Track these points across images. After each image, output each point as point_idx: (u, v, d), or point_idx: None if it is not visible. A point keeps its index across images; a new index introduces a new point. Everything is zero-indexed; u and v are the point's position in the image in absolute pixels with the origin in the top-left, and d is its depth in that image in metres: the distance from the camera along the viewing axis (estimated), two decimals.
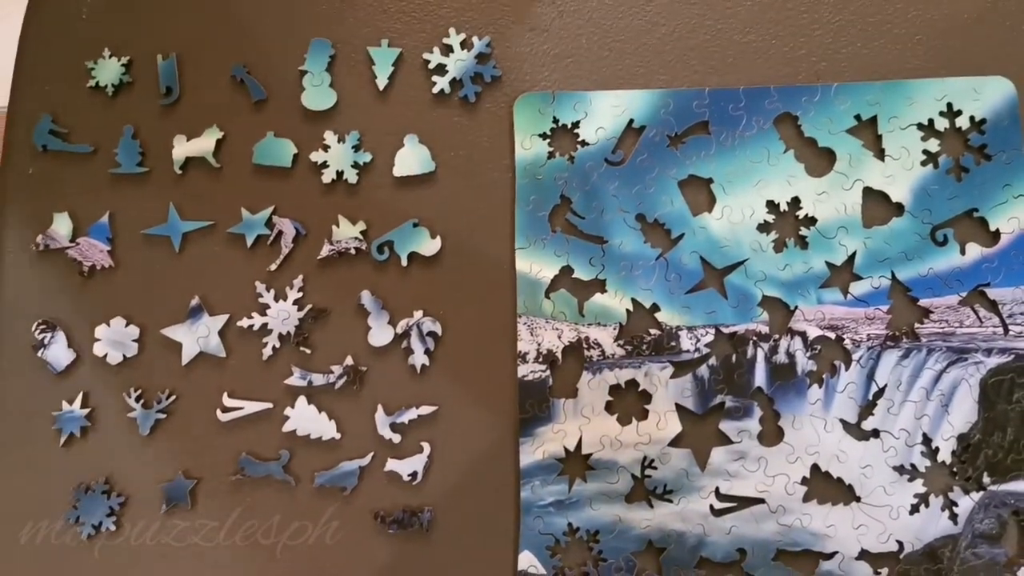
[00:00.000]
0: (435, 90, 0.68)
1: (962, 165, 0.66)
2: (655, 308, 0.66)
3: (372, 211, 0.67)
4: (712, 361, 0.65)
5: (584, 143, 0.67)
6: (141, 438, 0.65)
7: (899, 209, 0.66)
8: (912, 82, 0.67)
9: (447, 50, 0.68)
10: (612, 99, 0.67)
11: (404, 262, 0.66)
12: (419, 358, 0.65)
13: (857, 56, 0.68)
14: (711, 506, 0.64)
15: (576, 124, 0.67)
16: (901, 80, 0.67)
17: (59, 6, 0.70)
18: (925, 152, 0.66)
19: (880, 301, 0.65)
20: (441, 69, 0.68)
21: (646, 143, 0.67)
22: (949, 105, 0.66)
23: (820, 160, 0.67)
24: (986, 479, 0.63)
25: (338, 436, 0.65)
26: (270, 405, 0.65)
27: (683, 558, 0.63)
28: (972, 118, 0.66)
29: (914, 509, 0.63)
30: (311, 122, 0.68)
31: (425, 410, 0.65)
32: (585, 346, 0.65)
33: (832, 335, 0.65)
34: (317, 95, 0.68)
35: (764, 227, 0.66)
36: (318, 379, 0.65)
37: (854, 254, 0.66)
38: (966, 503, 0.63)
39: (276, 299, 0.66)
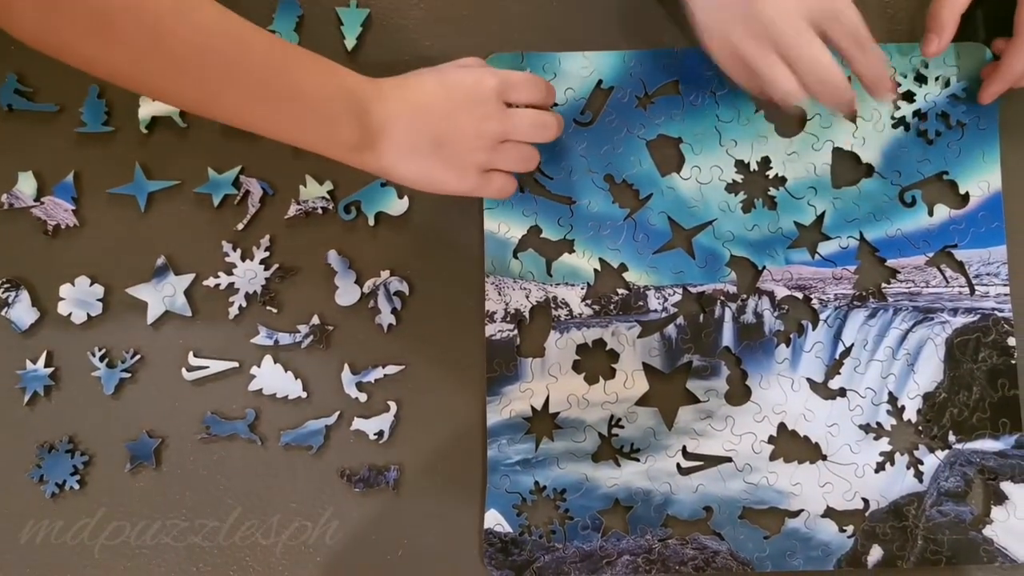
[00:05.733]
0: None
1: (935, 129, 0.66)
2: (623, 268, 0.66)
3: (339, 171, 0.66)
4: (680, 321, 0.65)
5: (553, 104, 0.67)
6: (105, 397, 0.64)
7: (869, 170, 0.66)
8: (887, 45, 0.66)
9: None
10: (581, 60, 0.67)
11: (371, 222, 0.66)
12: (386, 317, 0.65)
13: None
14: (678, 465, 0.64)
15: None
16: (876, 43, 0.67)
17: None
18: (897, 115, 0.66)
19: (848, 261, 0.65)
20: None
21: (615, 103, 0.66)
22: (924, 68, 0.66)
23: (790, 120, 0.66)
24: (951, 438, 0.64)
25: (304, 395, 0.64)
26: (236, 364, 0.65)
27: (650, 516, 0.63)
28: (947, 82, 0.66)
29: (880, 467, 0.64)
30: None
31: (392, 369, 0.65)
32: (553, 306, 0.65)
33: (799, 295, 0.65)
34: None
35: (732, 187, 0.66)
36: (284, 338, 0.65)
37: (823, 214, 0.66)
38: (931, 461, 0.64)
39: (243, 258, 0.65)
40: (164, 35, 0.50)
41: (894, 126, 0.66)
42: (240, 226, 0.66)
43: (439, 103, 0.57)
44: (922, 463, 0.63)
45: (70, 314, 0.65)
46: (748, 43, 0.57)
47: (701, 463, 0.64)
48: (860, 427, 0.64)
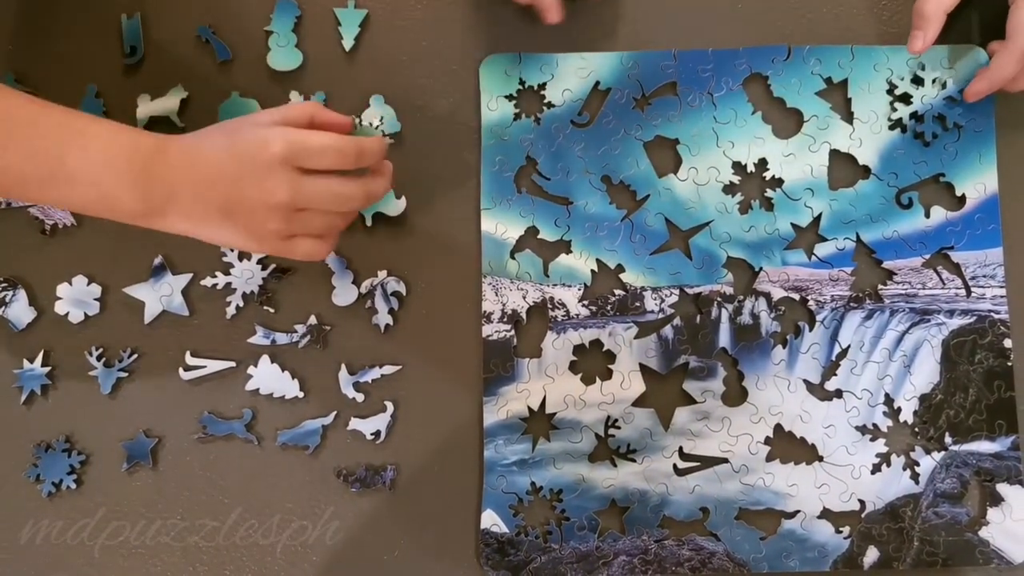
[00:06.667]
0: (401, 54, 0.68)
1: (931, 131, 0.66)
2: (620, 269, 0.66)
3: None
4: (676, 322, 0.65)
5: (550, 105, 0.67)
6: (102, 396, 0.64)
7: (865, 172, 0.66)
8: (884, 48, 0.67)
9: None
10: (578, 61, 0.67)
11: (369, 222, 0.66)
12: (383, 318, 0.65)
13: (824, 21, 0.68)
14: (674, 465, 0.64)
15: (542, 86, 0.67)
16: (873, 45, 0.67)
17: None
18: (894, 117, 0.66)
19: (844, 263, 0.66)
20: None
21: (612, 104, 0.67)
22: (921, 71, 0.66)
23: (788, 121, 0.67)
24: (947, 439, 0.64)
25: (301, 395, 0.64)
26: (233, 364, 0.65)
27: (646, 517, 0.63)
28: (944, 85, 0.66)
29: (876, 469, 0.64)
30: (277, 83, 0.67)
31: (389, 369, 0.65)
32: (550, 306, 0.65)
33: (796, 296, 0.65)
34: (283, 56, 0.67)
35: (729, 188, 0.66)
36: (282, 338, 0.65)
37: (819, 216, 0.66)
38: (927, 463, 0.64)
39: (240, 258, 0.65)
40: None
41: (891, 128, 0.66)
42: None
43: (225, 171, 0.53)
44: (918, 465, 0.64)
45: (67, 313, 0.65)
46: None
47: (697, 464, 0.64)
48: (856, 428, 0.64)
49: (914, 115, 0.66)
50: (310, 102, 0.57)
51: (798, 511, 0.63)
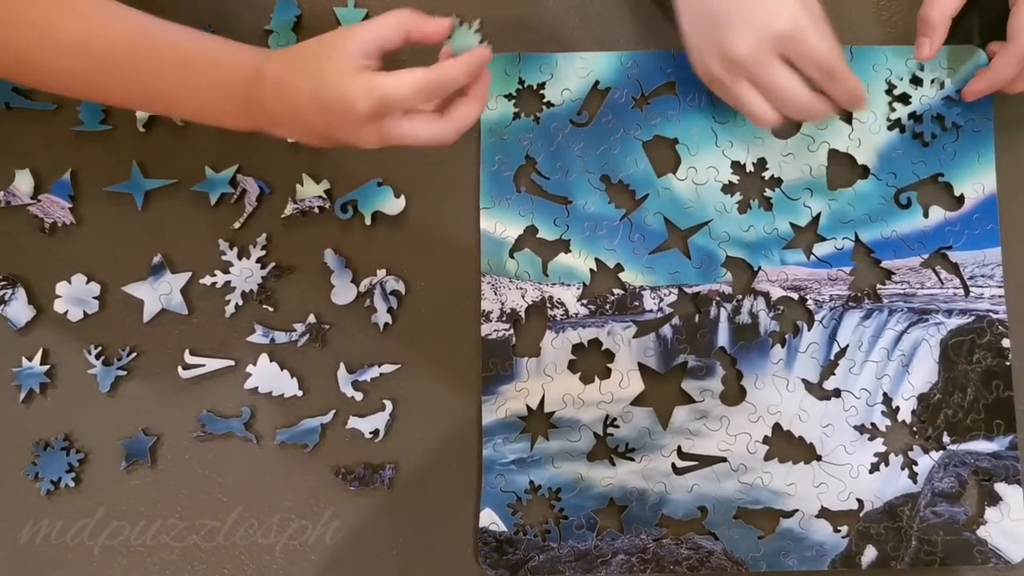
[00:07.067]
0: None
1: (930, 131, 0.66)
2: (619, 268, 0.66)
3: (336, 170, 0.66)
4: (675, 321, 0.65)
5: (550, 104, 0.67)
6: (101, 395, 0.64)
7: (864, 172, 0.66)
8: (883, 48, 0.67)
9: None
10: (578, 61, 0.67)
11: (368, 221, 0.66)
12: (382, 316, 0.65)
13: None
14: (673, 464, 0.64)
15: (542, 85, 0.67)
16: (872, 46, 0.67)
17: None
18: (892, 117, 0.66)
19: (843, 262, 0.66)
20: None
21: (611, 104, 0.67)
22: (920, 71, 0.66)
23: (787, 121, 0.66)
24: (946, 438, 0.64)
25: (300, 393, 0.65)
26: (232, 362, 0.65)
27: (644, 516, 0.63)
28: (942, 85, 0.66)
29: (874, 468, 0.64)
30: None
31: (388, 368, 0.65)
32: (549, 305, 0.65)
33: (795, 296, 0.65)
34: None
35: (728, 188, 0.66)
36: (281, 337, 0.65)
37: (818, 215, 0.66)
38: (926, 462, 0.64)
39: (239, 257, 0.65)
40: (51, 29, 0.52)
41: (889, 128, 0.66)
42: (237, 225, 0.66)
43: (314, 120, 0.54)
44: (916, 464, 0.64)
45: (66, 312, 0.65)
46: (722, 73, 0.60)
47: (696, 463, 0.64)
48: (855, 428, 0.64)
49: (913, 115, 0.66)
50: (402, 13, 0.54)
51: (796, 510, 0.63)
